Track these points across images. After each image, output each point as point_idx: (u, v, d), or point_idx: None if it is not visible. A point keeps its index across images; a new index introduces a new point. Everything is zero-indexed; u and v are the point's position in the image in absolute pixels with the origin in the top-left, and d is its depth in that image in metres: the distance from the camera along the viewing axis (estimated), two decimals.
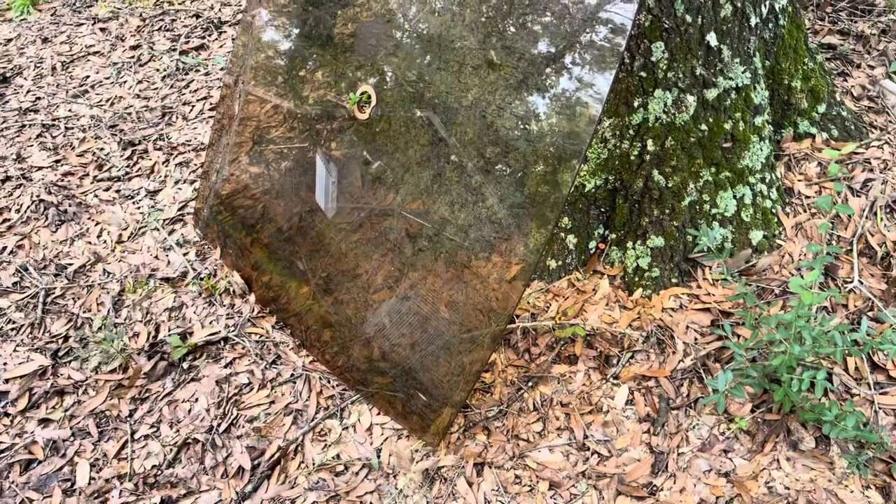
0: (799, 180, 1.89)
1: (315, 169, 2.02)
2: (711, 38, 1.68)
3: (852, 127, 2.00)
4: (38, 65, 3.21)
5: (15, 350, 1.94)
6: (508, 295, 1.72)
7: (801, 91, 1.94)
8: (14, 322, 2.02)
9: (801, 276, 1.60)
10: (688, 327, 1.71)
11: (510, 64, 1.54)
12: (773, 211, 1.82)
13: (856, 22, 2.49)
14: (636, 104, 1.72)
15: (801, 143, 1.96)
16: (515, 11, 1.52)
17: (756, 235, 1.79)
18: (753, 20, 1.74)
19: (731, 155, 1.77)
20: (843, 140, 1.98)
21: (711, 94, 1.72)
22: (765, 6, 1.77)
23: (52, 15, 3.59)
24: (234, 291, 2.03)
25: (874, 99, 2.16)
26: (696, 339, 1.69)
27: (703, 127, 1.74)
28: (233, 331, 1.92)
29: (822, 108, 1.96)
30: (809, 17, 2.55)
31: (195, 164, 2.52)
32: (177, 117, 2.78)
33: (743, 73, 1.74)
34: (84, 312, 2.03)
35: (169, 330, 1.94)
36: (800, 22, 1.92)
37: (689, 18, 1.65)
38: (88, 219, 2.37)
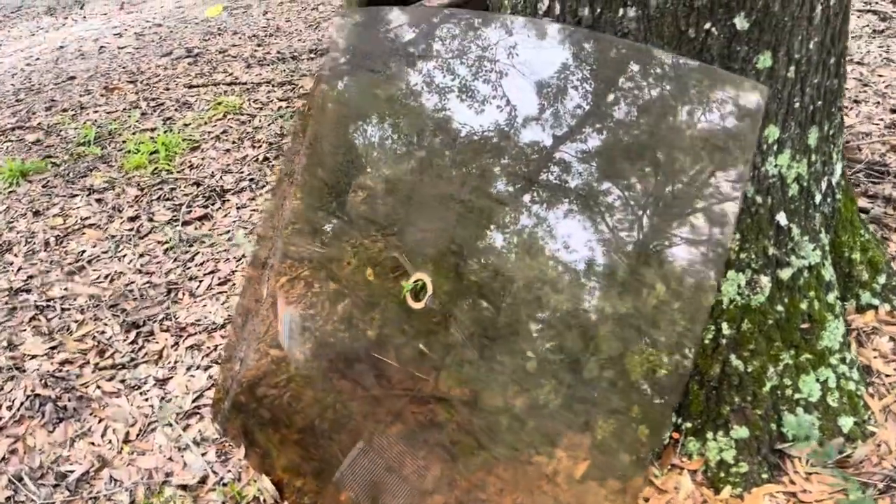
0: (874, 357, 1.80)
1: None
2: (781, 218, 1.63)
3: None
4: (30, 240, 3.06)
5: None
6: (582, 499, 1.55)
7: (861, 263, 1.88)
8: None
9: None
10: None
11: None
12: (858, 393, 1.71)
13: (877, 183, 2.51)
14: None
15: (865, 316, 1.89)
16: (586, 208, 1.44)
17: (846, 422, 1.67)
18: (818, 197, 1.70)
19: (810, 336, 1.68)
20: None
21: (785, 273, 1.65)
22: (824, 182, 1.74)
23: (43, 186, 3.48)
24: (263, 500, 1.81)
25: None
26: None
27: (780, 308, 1.65)
28: None
29: (881, 279, 1.91)
30: None
31: (207, 347, 2.34)
32: (183, 294, 2.62)
33: (813, 250, 1.68)
34: None
35: None
36: (852, 195, 1.90)
37: (759, 199, 1.59)
38: (91, 415, 2.14)
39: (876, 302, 1.91)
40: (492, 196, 1.63)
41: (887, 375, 1.77)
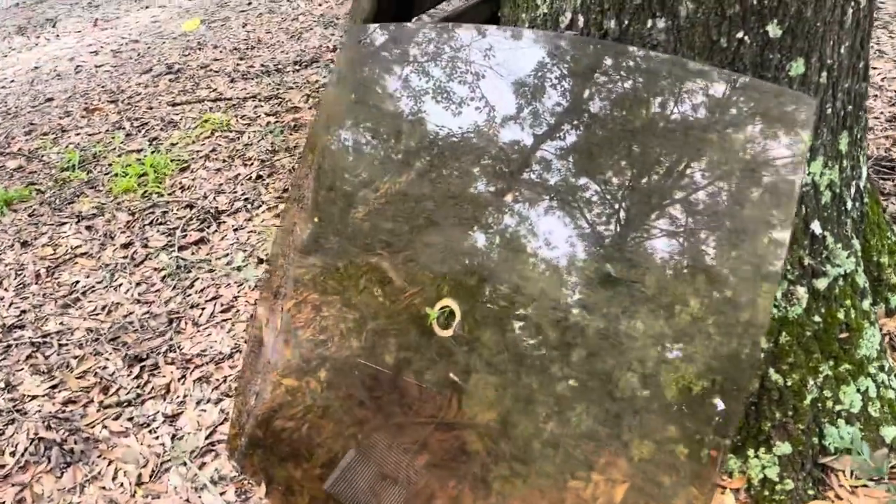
0: None
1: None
2: (816, 227, 1.59)
3: None
4: (20, 272, 2.95)
5: None
6: None
7: (889, 266, 1.85)
8: None
9: None
10: None
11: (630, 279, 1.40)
12: None
13: (887, 179, 2.49)
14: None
15: (895, 320, 1.86)
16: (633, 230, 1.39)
17: (889, 432, 1.63)
18: (849, 203, 1.66)
19: (849, 345, 1.64)
20: None
21: (822, 283, 1.61)
22: (853, 186, 1.70)
23: (29, 215, 3.37)
24: None
25: None
26: None
27: (817, 318, 1.61)
28: None
29: None
30: None
31: (217, 379, 2.26)
32: (186, 323, 2.53)
33: (847, 258, 1.64)
34: None
35: None
36: (877, 197, 1.87)
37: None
38: (99, 457, 2.06)
39: None
40: (505, 208, 1.58)
41: None
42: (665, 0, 1.38)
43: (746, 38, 1.40)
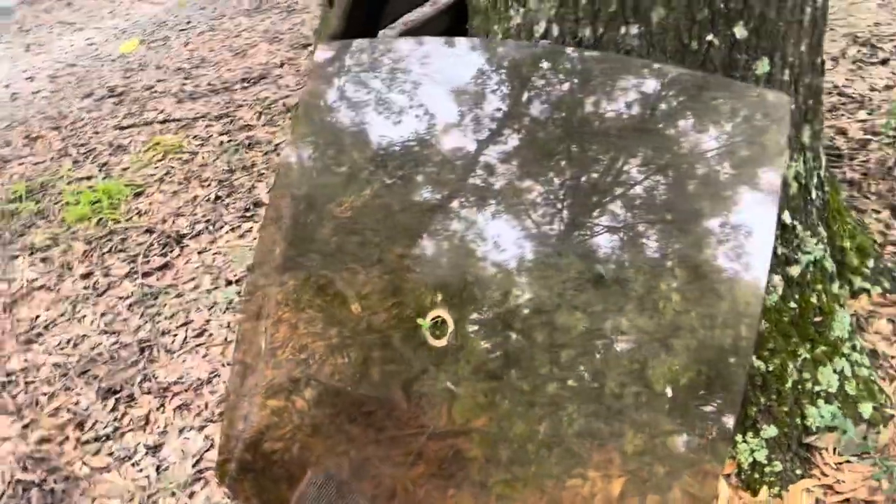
0: (878, 340, 1.85)
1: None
2: (786, 217, 1.66)
3: None
4: None
5: None
6: None
7: (851, 249, 1.94)
8: None
9: None
10: None
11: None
12: (872, 378, 1.76)
13: (835, 168, 2.60)
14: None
15: (860, 301, 1.95)
16: (627, 225, 1.43)
17: (866, 408, 1.71)
18: (813, 193, 1.74)
19: (823, 328, 1.71)
20: None
21: (795, 270, 1.68)
22: (815, 176, 1.78)
23: None
24: None
25: None
26: None
27: (792, 304, 1.68)
28: None
29: (870, 263, 1.97)
30: None
31: (198, 406, 2.22)
32: (158, 351, 2.48)
33: (816, 244, 1.72)
34: None
35: None
36: (837, 185, 1.96)
37: None
38: (82, 495, 2.00)
39: (867, 285, 1.97)
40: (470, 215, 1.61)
41: (892, 357, 1.82)
42: (638, 7, 1.43)
43: (716, 40, 1.45)
